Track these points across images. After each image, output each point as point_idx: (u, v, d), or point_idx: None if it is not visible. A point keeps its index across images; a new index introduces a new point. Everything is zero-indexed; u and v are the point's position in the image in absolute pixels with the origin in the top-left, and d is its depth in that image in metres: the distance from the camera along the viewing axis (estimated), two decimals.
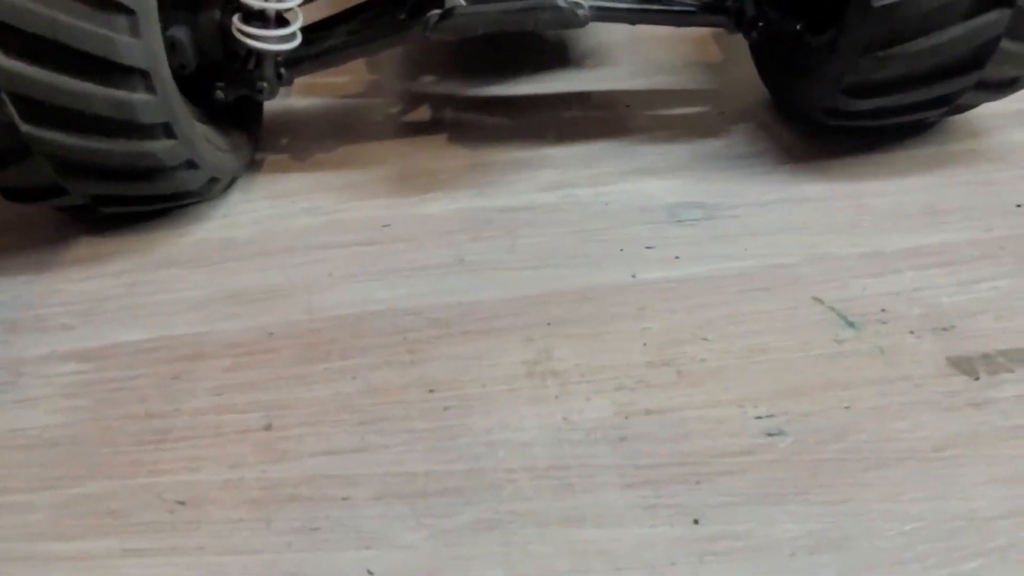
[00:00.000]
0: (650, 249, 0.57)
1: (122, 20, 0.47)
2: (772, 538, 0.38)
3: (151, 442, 0.46)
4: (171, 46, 0.52)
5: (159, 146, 0.50)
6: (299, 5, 0.53)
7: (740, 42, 0.72)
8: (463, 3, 0.50)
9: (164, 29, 0.52)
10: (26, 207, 0.62)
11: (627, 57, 0.80)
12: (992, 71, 0.54)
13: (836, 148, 0.65)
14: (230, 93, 0.58)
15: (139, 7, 0.47)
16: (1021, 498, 0.39)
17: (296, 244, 0.61)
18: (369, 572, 0.39)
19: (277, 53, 0.54)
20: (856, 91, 0.55)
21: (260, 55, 0.54)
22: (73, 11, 0.45)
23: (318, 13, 0.64)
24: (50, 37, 0.45)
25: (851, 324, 0.49)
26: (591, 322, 0.51)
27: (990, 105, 0.68)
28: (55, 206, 0.59)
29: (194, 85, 0.57)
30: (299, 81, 0.62)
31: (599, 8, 0.57)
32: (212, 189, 0.61)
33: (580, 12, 0.53)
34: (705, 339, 0.49)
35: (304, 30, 0.56)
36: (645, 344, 0.49)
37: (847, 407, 0.44)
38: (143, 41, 0.47)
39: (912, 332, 0.48)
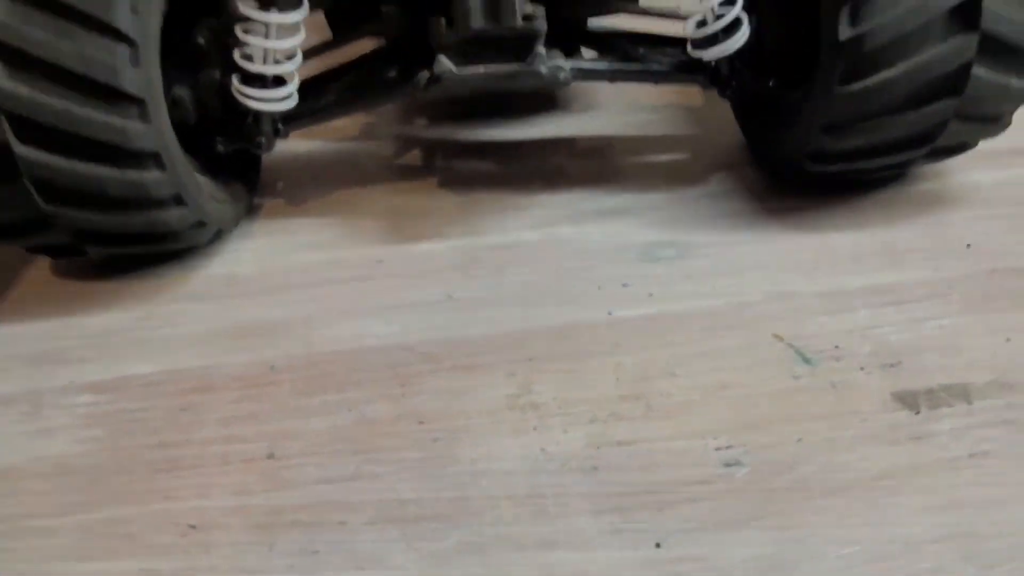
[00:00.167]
0: (626, 287, 0.61)
1: (134, 109, 0.51)
2: (727, 561, 0.42)
3: (164, 470, 0.50)
4: (173, 103, 0.55)
5: (150, 177, 0.53)
6: (296, 68, 0.57)
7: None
8: (452, 68, 0.54)
9: (167, 87, 0.54)
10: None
11: (611, 101, 0.84)
12: (972, 102, 0.56)
13: (802, 189, 0.69)
14: (229, 147, 0.61)
15: (150, 95, 0.51)
16: (951, 524, 0.43)
17: (295, 280, 0.65)
18: None
19: (274, 112, 0.58)
20: (836, 129, 0.57)
21: (259, 113, 0.57)
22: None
23: (312, 49, 0.68)
24: (52, 59, 0.49)
25: (807, 360, 0.54)
26: (569, 358, 0.55)
27: None
28: (38, 244, 0.61)
29: (194, 138, 0.59)
30: None
31: (579, 69, 0.61)
32: (201, 234, 0.62)
33: (561, 75, 0.57)
34: (673, 374, 0.53)
35: (301, 86, 0.60)
36: (618, 379, 0.53)
37: (799, 440, 0.48)
38: (153, 127, 0.52)
39: (862, 368, 0.53)
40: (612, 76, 0.65)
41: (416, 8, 0.58)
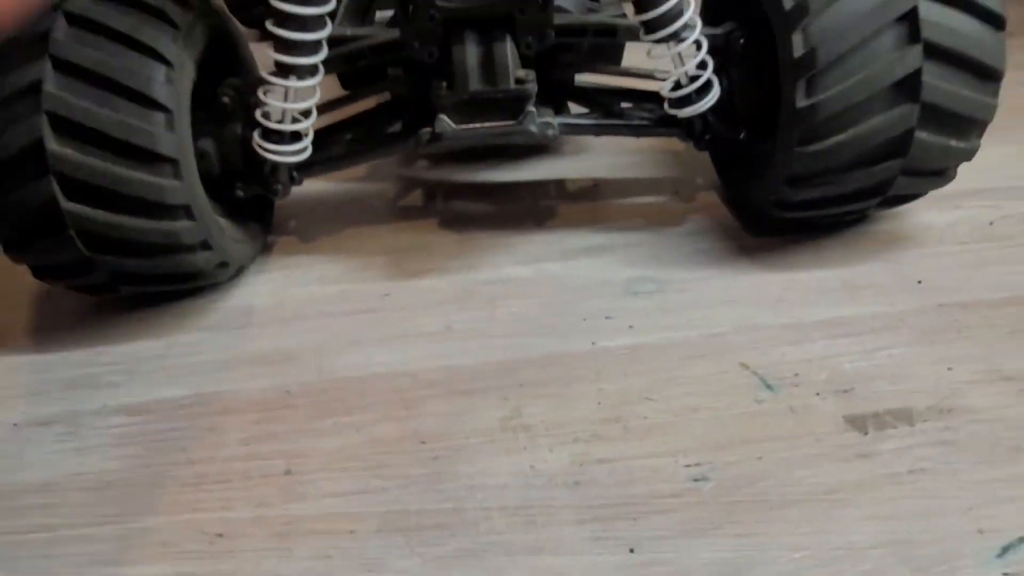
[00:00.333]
0: (609, 319, 0.67)
1: (168, 169, 0.57)
2: (693, 564, 0.48)
3: (192, 484, 0.56)
4: (200, 156, 0.61)
5: (181, 227, 0.59)
6: (311, 124, 0.63)
7: None
8: (451, 126, 0.60)
9: (194, 141, 0.60)
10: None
11: (598, 146, 0.91)
12: (916, 160, 0.61)
13: (770, 231, 0.76)
14: (249, 192, 0.66)
15: (182, 156, 0.57)
16: (891, 532, 0.49)
17: (308, 312, 0.71)
18: None
19: (290, 163, 0.63)
20: (797, 182, 0.62)
21: (276, 164, 0.63)
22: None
23: (324, 104, 0.74)
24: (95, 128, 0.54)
25: (769, 387, 0.60)
26: (556, 384, 0.61)
27: None
28: (78, 284, 0.66)
29: (217, 185, 0.64)
30: None
31: (567, 125, 0.68)
32: (224, 272, 0.68)
33: (550, 131, 0.63)
34: (650, 399, 0.59)
35: (314, 136, 0.65)
36: (600, 403, 0.59)
37: (759, 457, 0.54)
38: (185, 183, 0.58)
39: (818, 394, 0.59)
40: (597, 130, 0.71)
41: (419, 71, 0.64)
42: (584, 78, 0.76)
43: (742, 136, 0.70)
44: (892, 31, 0.58)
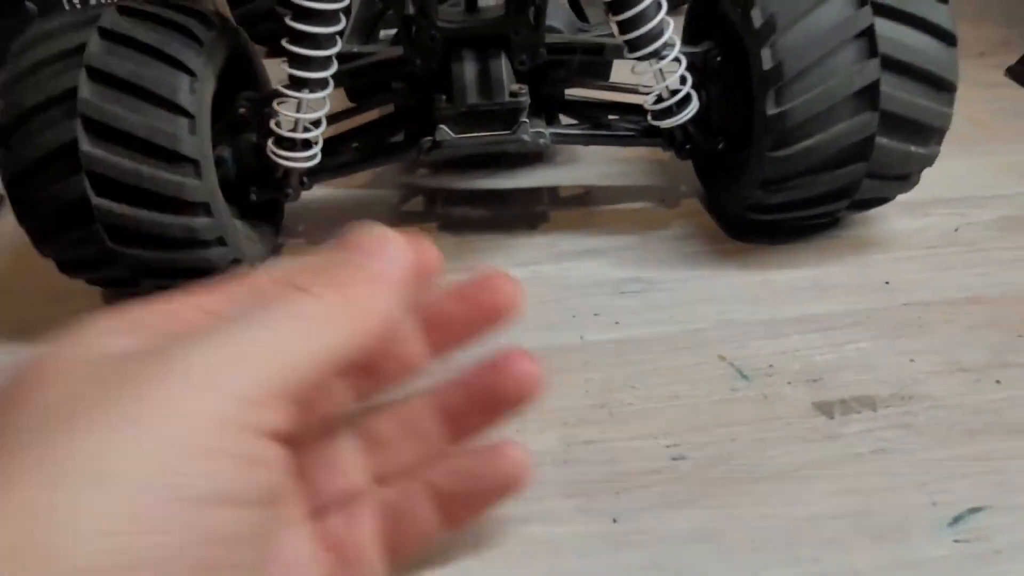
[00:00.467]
0: (596, 316, 0.72)
1: (190, 168, 0.61)
2: (670, 532, 0.52)
3: None
4: (218, 162, 0.65)
5: (200, 223, 0.63)
6: (321, 132, 0.68)
7: None
8: (450, 135, 0.66)
9: (213, 148, 0.65)
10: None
11: (589, 156, 0.96)
12: (879, 165, 0.66)
13: (748, 235, 0.81)
14: (262, 196, 0.71)
15: (203, 157, 0.62)
16: (851, 505, 0.53)
17: None
18: None
19: (301, 169, 0.68)
20: (770, 185, 0.67)
21: (288, 169, 0.67)
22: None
23: (332, 116, 0.79)
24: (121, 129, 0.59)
25: (745, 376, 0.64)
26: (546, 374, 0.65)
27: None
28: (101, 277, 0.71)
29: (233, 189, 0.69)
30: None
31: (558, 134, 0.73)
32: (238, 270, 0.73)
33: (542, 140, 0.68)
34: (633, 387, 0.64)
35: (324, 143, 0.70)
36: (587, 391, 0.64)
37: (733, 439, 0.58)
38: (204, 182, 0.62)
39: (789, 383, 0.63)
40: (586, 140, 0.76)
41: (421, 86, 0.69)
42: (574, 92, 0.81)
43: (720, 146, 0.75)
44: (852, 46, 0.63)
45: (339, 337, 0.32)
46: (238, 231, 0.70)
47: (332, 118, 0.72)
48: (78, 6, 1.18)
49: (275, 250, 0.82)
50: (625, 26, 0.65)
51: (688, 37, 0.80)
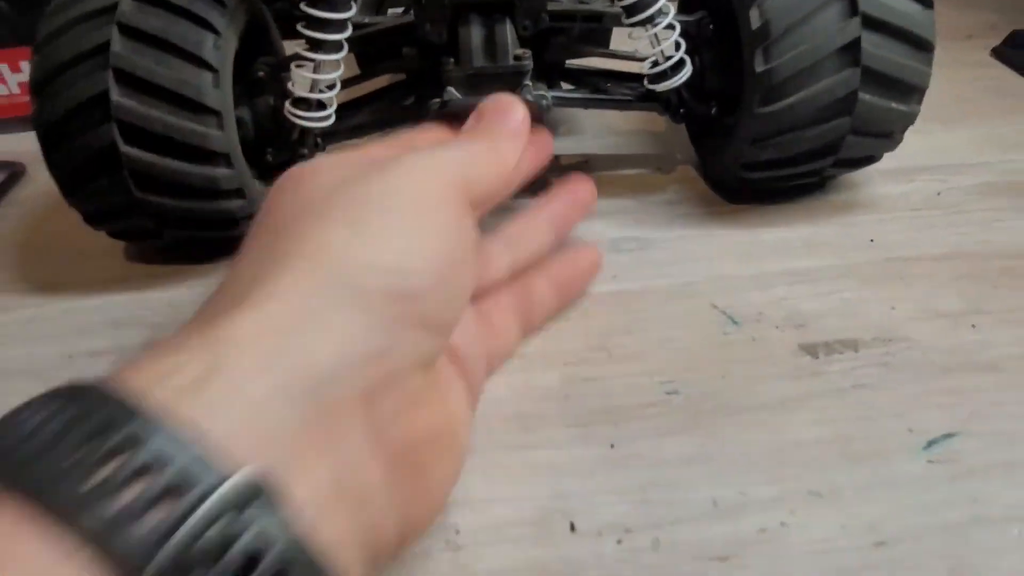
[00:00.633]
0: None
1: (213, 120, 0.64)
2: (663, 456, 0.56)
3: None
4: (238, 123, 0.69)
5: (220, 173, 0.66)
6: (336, 94, 0.71)
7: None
8: (457, 96, 0.69)
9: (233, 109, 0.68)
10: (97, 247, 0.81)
11: (590, 127, 1.00)
12: (862, 120, 0.69)
13: (741, 196, 0.84)
14: (278, 157, 0.74)
15: (224, 110, 0.66)
16: (832, 433, 0.57)
17: None
18: None
19: (317, 129, 0.72)
20: (760, 142, 0.70)
21: (303, 130, 0.70)
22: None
23: (344, 81, 0.83)
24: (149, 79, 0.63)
25: (735, 322, 0.68)
26: (548, 321, 0.69)
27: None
28: (125, 228, 0.74)
29: (251, 151, 0.73)
30: None
31: (559, 98, 0.77)
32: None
33: (544, 102, 0.72)
34: (630, 332, 0.67)
35: (338, 108, 0.73)
36: (587, 336, 0.67)
37: (723, 376, 0.62)
38: (225, 133, 0.66)
39: (777, 327, 0.67)
40: (585, 104, 0.80)
41: (430, 51, 0.73)
42: (574, 62, 0.85)
43: (713, 111, 0.78)
44: (834, 5, 0.67)
45: (493, 169, 0.45)
46: (255, 187, 0.73)
47: (345, 83, 0.76)
48: None
49: None
50: None
51: (683, 7, 0.84)
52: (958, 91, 1.07)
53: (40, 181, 0.97)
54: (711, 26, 0.76)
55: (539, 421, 0.60)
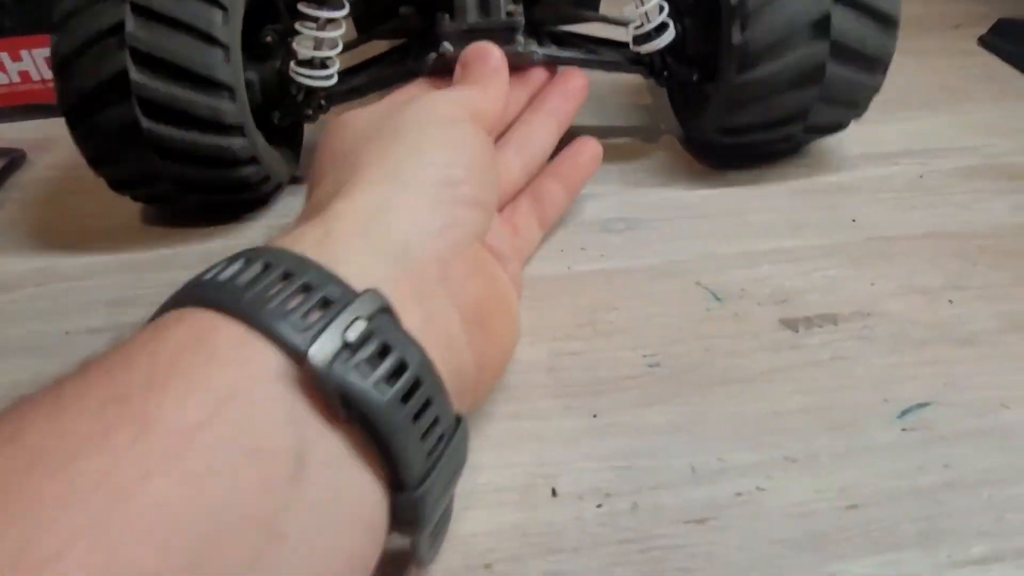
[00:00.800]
0: (583, 250, 0.77)
1: (225, 94, 0.67)
2: (646, 425, 0.57)
3: None
4: (247, 87, 0.71)
5: (236, 143, 0.69)
6: (337, 55, 0.73)
7: (664, 94, 0.95)
8: (452, 50, 0.71)
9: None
10: (116, 218, 0.82)
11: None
12: (830, 89, 0.73)
13: (730, 178, 0.86)
14: (284, 119, 0.77)
15: (236, 83, 0.68)
16: (812, 403, 0.58)
17: None
18: None
19: (321, 89, 0.73)
20: (737, 107, 0.74)
21: (308, 90, 0.73)
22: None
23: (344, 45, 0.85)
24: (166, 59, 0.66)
25: (719, 299, 0.69)
26: (536, 300, 0.71)
27: (852, 148, 0.91)
28: (147, 194, 0.78)
29: (259, 114, 0.75)
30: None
31: (548, 55, 0.78)
32: (267, 186, 0.78)
33: (535, 57, 0.74)
34: (615, 308, 0.69)
35: (340, 72, 0.75)
36: (574, 312, 0.69)
37: (706, 350, 0.64)
38: (238, 106, 0.68)
39: (759, 304, 0.69)
40: (573, 63, 0.81)
41: (427, 8, 0.75)
42: (564, 28, 0.87)
43: (695, 78, 0.81)
44: None
45: (488, 105, 0.54)
46: (266, 151, 0.76)
47: (346, 48, 0.77)
48: None
49: (294, 180, 0.87)
50: None
51: None
52: (943, 79, 1.08)
53: (40, 167, 0.99)
54: None
55: (525, 393, 0.61)
